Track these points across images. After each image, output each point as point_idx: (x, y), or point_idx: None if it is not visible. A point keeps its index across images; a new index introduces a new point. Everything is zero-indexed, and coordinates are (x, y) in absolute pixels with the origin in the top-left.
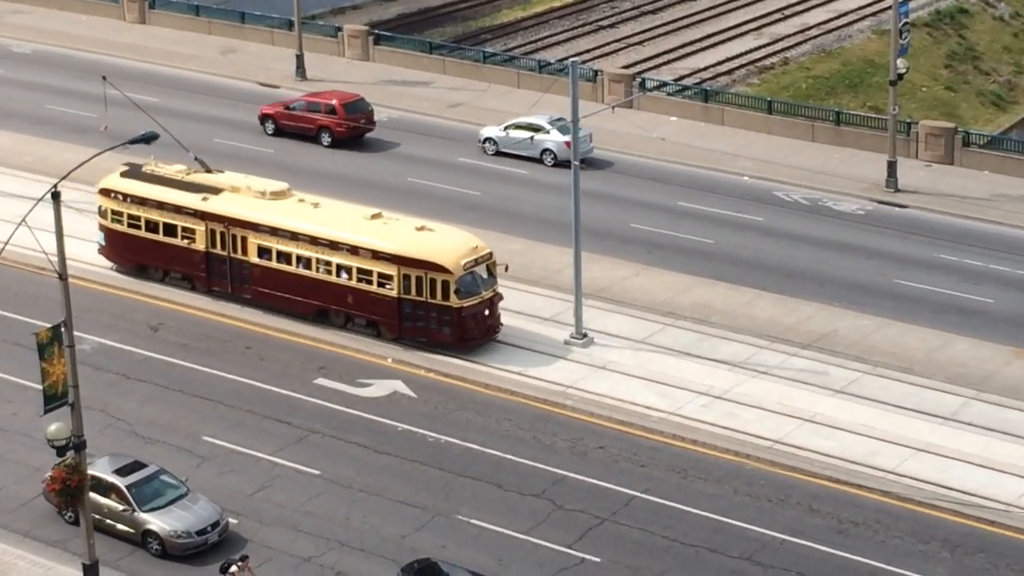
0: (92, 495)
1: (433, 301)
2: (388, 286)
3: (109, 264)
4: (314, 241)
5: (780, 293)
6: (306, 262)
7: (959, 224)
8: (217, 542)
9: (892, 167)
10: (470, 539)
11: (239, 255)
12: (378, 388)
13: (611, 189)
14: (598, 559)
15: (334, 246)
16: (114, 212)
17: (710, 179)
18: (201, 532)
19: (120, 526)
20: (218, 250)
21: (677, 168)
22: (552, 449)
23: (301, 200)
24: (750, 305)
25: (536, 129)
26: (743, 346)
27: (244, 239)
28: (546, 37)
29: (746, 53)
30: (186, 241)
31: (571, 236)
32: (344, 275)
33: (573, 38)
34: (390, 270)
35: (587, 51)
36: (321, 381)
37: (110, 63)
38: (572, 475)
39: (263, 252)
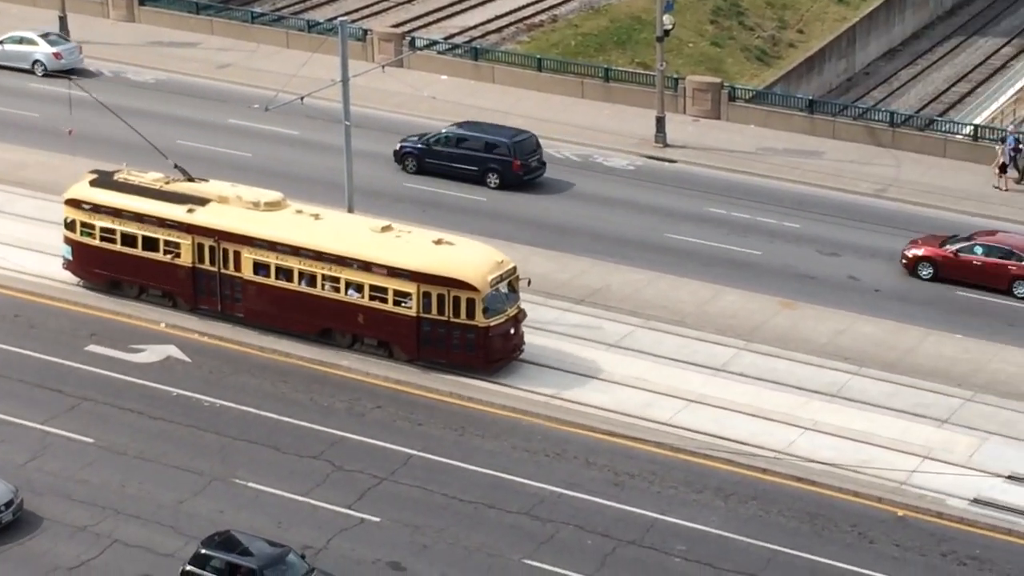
0: None
1: (457, 320)
2: (405, 304)
3: (74, 279)
4: (319, 256)
5: (553, 249)
6: (309, 279)
7: (726, 178)
8: (11, 521)
9: (660, 122)
10: (248, 503)
11: (231, 271)
12: (151, 353)
13: (382, 148)
14: (377, 519)
15: (343, 262)
16: (84, 224)
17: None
18: None
19: None
20: (206, 266)
21: (445, 126)
22: (329, 410)
23: (299, 211)
24: (524, 262)
25: (28, 42)
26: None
27: (237, 254)
28: None
29: (515, 11)
30: (169, 256)
31: (344, 195)
32: (354, 293)
33: None
34: (408, 287)
35: (356, 10)
36: (93, 348)
37: None
38: (350, 436)
39: (259, 268)
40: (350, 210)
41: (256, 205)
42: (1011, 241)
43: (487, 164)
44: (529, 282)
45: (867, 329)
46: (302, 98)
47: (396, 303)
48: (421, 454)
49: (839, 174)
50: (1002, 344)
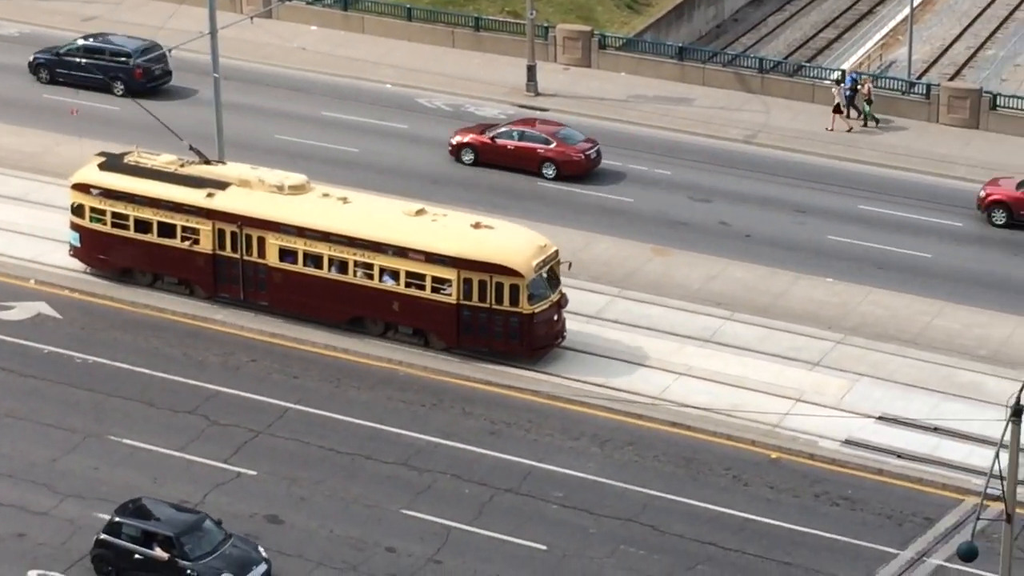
0: None
1: (499, 307)
2: (444, 291)
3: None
4: (352, 242)
5: (427, 200)
6: (340, 265)
7: (598, 125)
8: None
9: (532, 71)
10: (123, 459)
11: (254, 258)
12: (21, 311)
13: (253, 101)
14: (254, 472)
15: (377, 247)
16: (94, 210)
17: (353, 88)
18: None
19: None
20: (228, 252)
21: (319, 78)
22: (203, 365)
23: (326, 195)
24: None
25: None
26: None
27: (262, 240)
28: None
29: None
30: (187, 243)
31: (213, 149)
32: (389, 280)
33: None
34: (448, 274)
35: None
36: None
37: None
38: (225, 390)
39: (286, 254)
40: (221, 161)
41: (280, 188)
42: (543, 128)
43: (112, 73)
44: (570, 265)
45: (739, 274)
46: (170, 50)
47: (434, 290)
48: (297, 407)
49: (709, 120)
50: (871, 287)
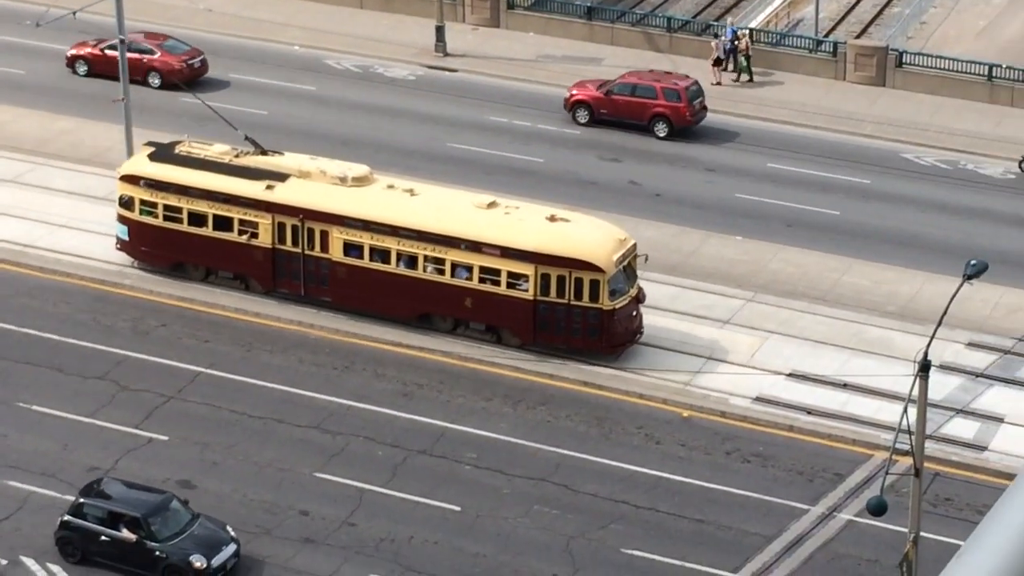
0: None
1: (578, 303)
2: (521, 287)
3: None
4: (421, 236)
5: (336, 159)
6: (409, 260)
7: (507, 86)
8: None
9: (440, 32)
10: (32, 425)
11: (317, 252)
12: None
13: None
14: (166, 437)
15: (449, 242)
16: (144, 202)
17: (260, 49)
18: None
19: None
20: (288, 246)
21: (226, 40)
22: (113, 330)
23: (391, 186)
24: None
25: None
26: None
27: (325, 234)
28: None
29: None
30: (245, 236)
31: (120, 115)
32: (462, 274)
33: None
34: (525, 269)
35: None
36: None
37: None
38: (135, 355)
39: (351, 249)
40: (128, 129)
41: (343, 180)
42: (150, 41)
43: None
44: (647, 258)
45: (649, 233)
46: (74, 13)
47: (510, 285)
48: (208, 371)
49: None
50: (780, 244)
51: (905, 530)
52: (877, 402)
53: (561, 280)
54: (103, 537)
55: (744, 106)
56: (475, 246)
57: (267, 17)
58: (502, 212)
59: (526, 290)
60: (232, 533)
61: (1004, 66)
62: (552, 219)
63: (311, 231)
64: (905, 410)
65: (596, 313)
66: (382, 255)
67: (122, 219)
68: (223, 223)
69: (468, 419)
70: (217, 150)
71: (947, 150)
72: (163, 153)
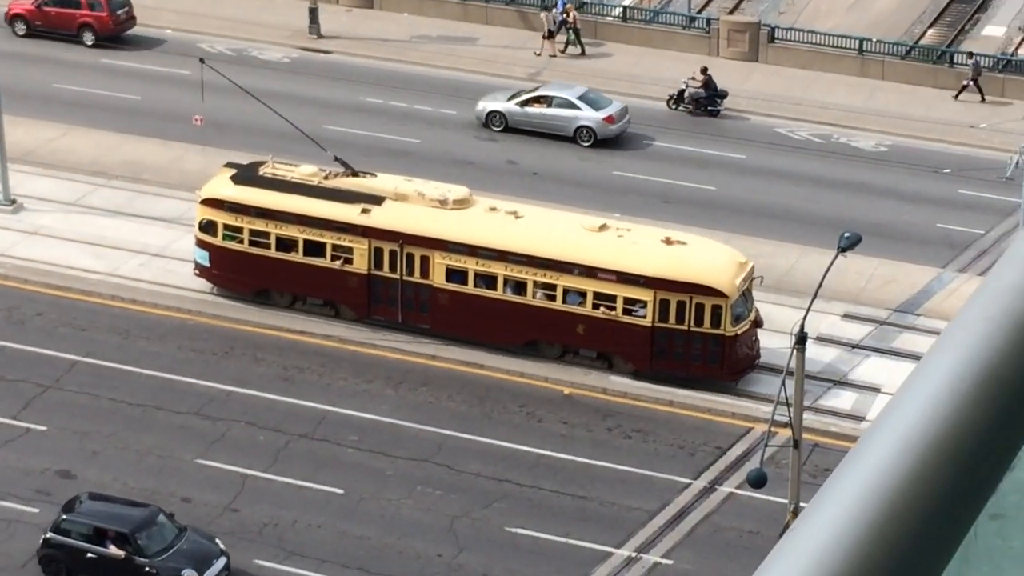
0: None
1: (698, 329)
2: (638, 313)
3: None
4: (532, 261)
5: (208, 145)
6: (516, 286)
7: (382, 67)
8: None
9: (314, 14)
10: None
11: (416, 278)
12: None
13: (25, 49)
14: (44, 427)
15: (561, 267)
16: (228, 227)
17: (132, 34)
18: None
19: None
20: (385, 272)
21: None
22: None
23: (493, 208)
24: (180, 160)
25: None
26: (177, 202)
27: (426, 259)
28: None
29: None
30: (339, 262)
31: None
32: (574, 300)
33: None
34: (643, 295)
35: None
36: None
37: None
38: (10, 345)
39: (453, 274)
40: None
41: (443, 203)
42: None
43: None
44: (762, 280)
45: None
46: None
47: (626, 311)
48: (86, 359)
49: (494, 60)
50: (657, 220)
51: (785, 501)
52: (755, 375)
53: (681, 305)
54: (89, 555)
55: (619, 84)
56: (589, 271)
57: (138, 2)
58: (615, 235)
59: (644, 316)
60: (221, 546)
61: (874, 40)
62: (668, 242)
63: (410, 256)
64: (783, 382)
65: (717, 339)
66: (487, 281)
67: (202, 244)
68: (314, 248)
69: (349, 402)
70: (304, 172)
71: (820, 124)
72: (246, 175)
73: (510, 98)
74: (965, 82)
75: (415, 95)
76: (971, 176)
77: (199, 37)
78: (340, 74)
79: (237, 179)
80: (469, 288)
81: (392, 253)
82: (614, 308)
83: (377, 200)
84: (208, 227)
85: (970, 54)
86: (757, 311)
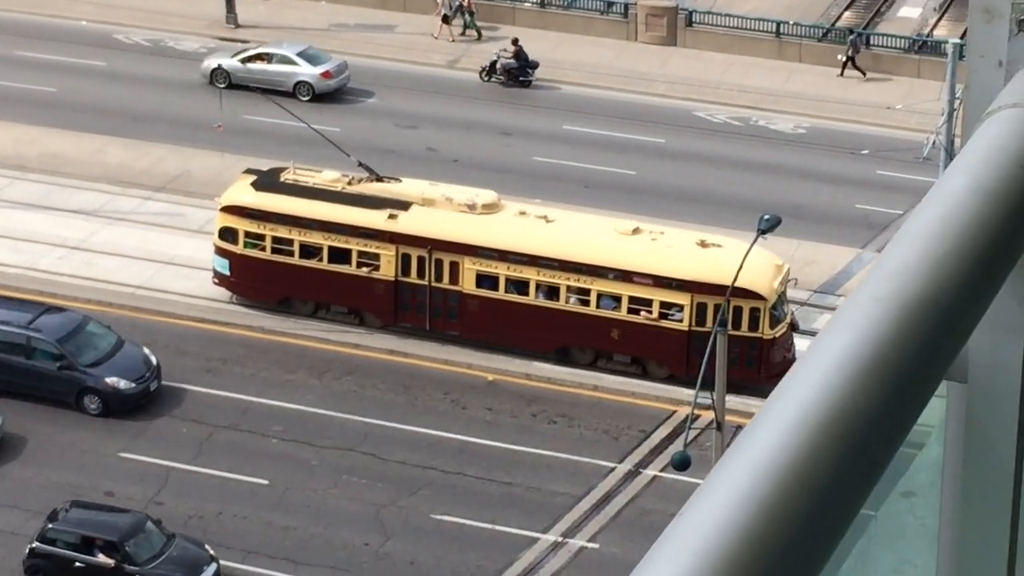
0: None
1: (736, 333)
2: (675, 317)
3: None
4: (564, 266)
5: (129, 137)
6: (548, 291)
7: None
8: None
9: (231, 3)
10: None
11: (445, 284)
12: None
13: None
14: None
15: (596, 272)
16: (250, 235)
17: (48, 26)
18: None
19: None
20: (413, 279)
21: (12, 16)
22: None
23: (522, 212)
24: (100, 152)
25: None
26: (97, 194)
27: (455, 265)
28: None
29: None
30: (366, 269)
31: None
32: (608, 305)
33: None
34: (680, 299)
35: None
36: None
37: None
38: None
39: (484, 280)
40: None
41: (472, 208)
42: None
43: None
44: (796, 282)
45: None
46: None
47: (662, 315)
48: None
49: (412, 47)
50: (578, 206)
51: None
52: None
53: (719, 310)
54: (77, 564)
55: (539, 70)
56: (625, 275)
57: None
58: (649, 238)
59: (680, 320)
60: (211, 552)
61: (791, 23)
62: (703, 245)
63: (439, 262)
64: (704, 365)
65: (755, 343)
66: (519, 286)
67: (222, 252)
68: (339, 255)
69: (273, 392)
70: (327, 177)
71: (738, 107)
72: (268, 182)
73: (234, 55)
74: (841, 56)
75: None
76: (889, 157)
77: (115, 28)
78: None
79: (259, 185)
80: (500, 294)
81: (420, 259)
82: (650, 312)
83: (404, 205)
84: (228, 235)
85: (850, 30)
86: (792, 313)
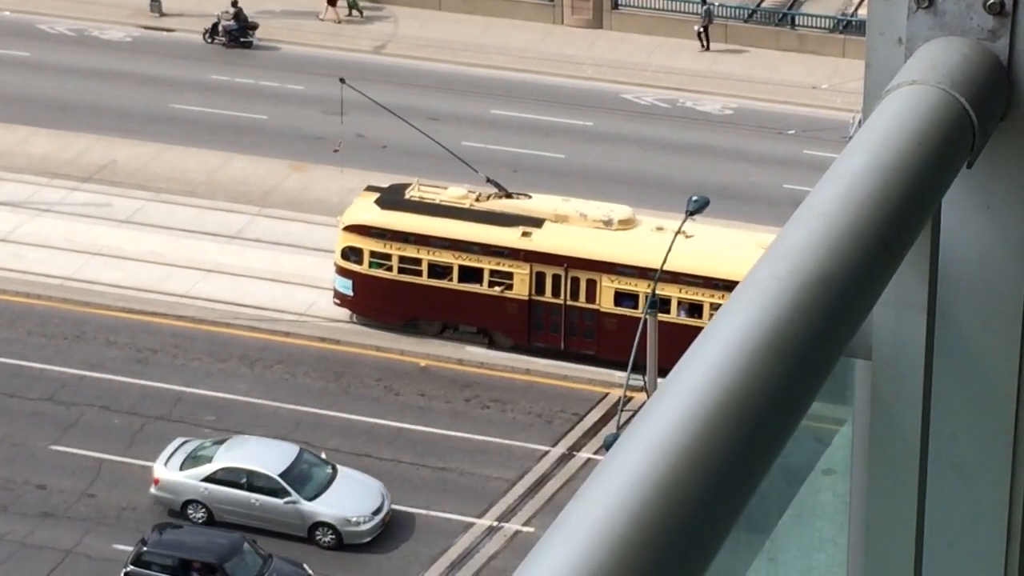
0: None
1: None
2: None
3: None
4: (708, 283)
5: (54, 128)
6: (690, 308)
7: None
8: None
9: None
10: None
11: (582, 303)
12: None
13: None
14: None
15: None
16: (376, 255)
17: None
18: None
19: None
20: (547, 297)
21: None
22: None
23: (659, 228)
24: (25, 143)
25: None
26: (22, 185)
27: (592, 283)
28: None
29: None
30: (498, 288)
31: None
32: None
33: None
34: None
35: None
36: None
37: None
38: None
39: (623, 298)
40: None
41: (608, 224)
42: None
43: None
44: None
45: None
46: None
47: None
48: None
49: (338, 33)
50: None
51: None
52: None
53: None
54: None
55: (465, 55)
56: None
57: None
58: None
59: None
60: (310, 572)
61: (716, 3)
62: None
63: (575, 280)
64: (635, 347)
65: None
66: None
67: (345, 272)
68: (470, 274)
69: (205, 382)
70: (455, 194)
71: (665, 89)
72: (392, 199)
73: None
74: (697, 28)
75: (260, 71)
76: (815, 136)
77: (38, 18)
78: (184, 53)
79: (383, 203)
80: (639, 312)
81: (556, 277)
82: None
83: (537, 223)
84: (352, 254)
85: (703, 1)
86: None
